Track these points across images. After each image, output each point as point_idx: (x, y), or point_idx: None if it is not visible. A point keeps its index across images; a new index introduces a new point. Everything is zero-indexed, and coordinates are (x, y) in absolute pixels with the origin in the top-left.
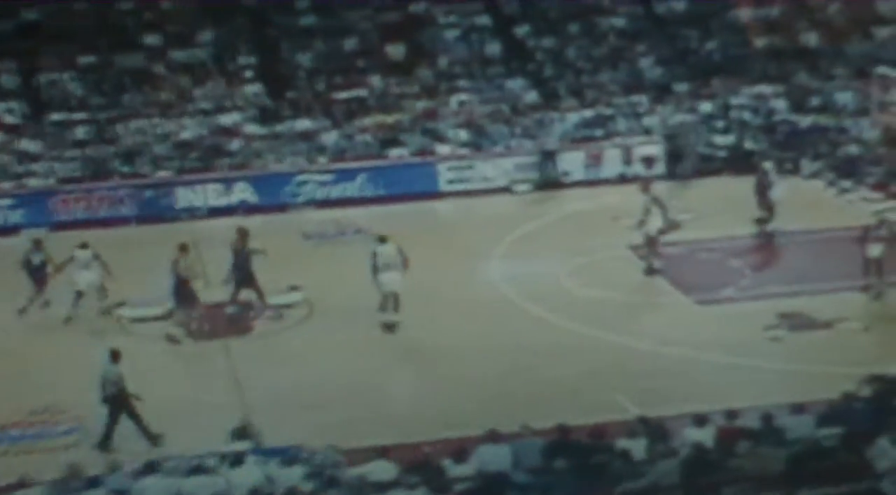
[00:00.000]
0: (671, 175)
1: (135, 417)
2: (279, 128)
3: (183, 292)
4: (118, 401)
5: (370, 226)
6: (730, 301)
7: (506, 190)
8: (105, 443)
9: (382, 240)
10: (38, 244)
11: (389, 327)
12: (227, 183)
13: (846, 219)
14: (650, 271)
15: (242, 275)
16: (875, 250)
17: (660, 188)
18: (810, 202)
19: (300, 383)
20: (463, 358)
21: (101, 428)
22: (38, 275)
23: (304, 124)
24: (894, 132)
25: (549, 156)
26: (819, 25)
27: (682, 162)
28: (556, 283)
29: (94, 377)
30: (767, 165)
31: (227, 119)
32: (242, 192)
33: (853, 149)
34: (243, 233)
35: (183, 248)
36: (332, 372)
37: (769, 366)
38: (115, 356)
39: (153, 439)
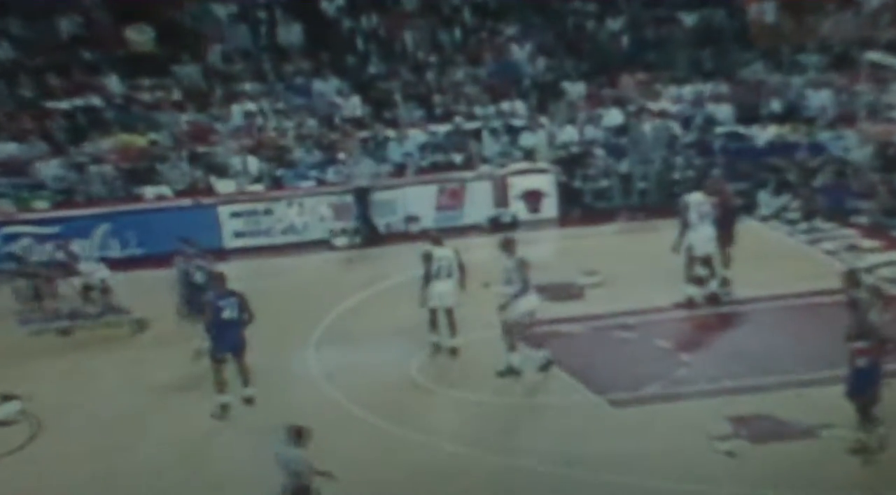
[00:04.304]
0: (564, 220)
1: None
2: None
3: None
4: None
5: (120, 300)
6: (659, 400)
7: (323, 244)
8: None
9: (437, 241)
10: None
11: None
12: None
13: (826, 279)
14: (545, 366)
15: None
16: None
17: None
18: (772, 254)
19: None
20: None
21: None
22: None
23: (5, 149)
24: (894, 148)
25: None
26: None
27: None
28: (404, 380)
29: None
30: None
31: None
32: None
33: (833, 176)
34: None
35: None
36: None
37: (722, 493)
38: (297, 434)
39: None
